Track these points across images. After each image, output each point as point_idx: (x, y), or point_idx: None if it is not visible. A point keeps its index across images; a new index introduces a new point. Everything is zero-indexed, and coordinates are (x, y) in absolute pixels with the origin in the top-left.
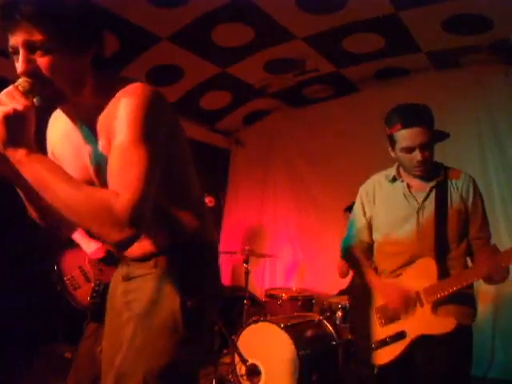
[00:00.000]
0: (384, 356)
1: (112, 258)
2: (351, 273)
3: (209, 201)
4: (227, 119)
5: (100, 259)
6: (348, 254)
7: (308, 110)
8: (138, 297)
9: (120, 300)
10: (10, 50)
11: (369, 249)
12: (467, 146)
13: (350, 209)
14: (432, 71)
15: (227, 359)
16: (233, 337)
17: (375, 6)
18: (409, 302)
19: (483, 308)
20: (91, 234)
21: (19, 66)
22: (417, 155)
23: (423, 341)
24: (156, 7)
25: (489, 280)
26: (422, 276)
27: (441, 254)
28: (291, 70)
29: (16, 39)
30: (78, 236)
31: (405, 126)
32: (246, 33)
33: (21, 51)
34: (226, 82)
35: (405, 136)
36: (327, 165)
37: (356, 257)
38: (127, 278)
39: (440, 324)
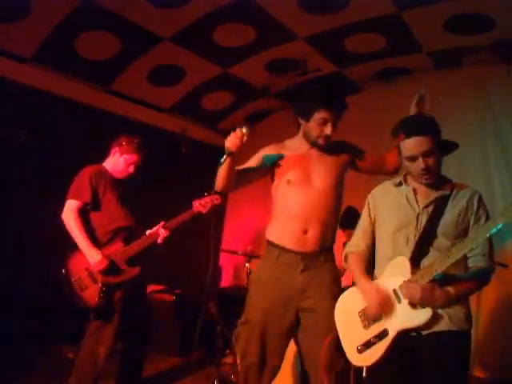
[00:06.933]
0: (371, 356)
1: (112, 270)
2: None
3: (215, 199)
4: (229, 119)
5: (101, 270)
6: (347, 260)
7: None
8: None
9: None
10: None
11: (367, 254)
12: (469, 145)
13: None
14: (433, 71)
15: (229, 359)
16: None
17: (377, 5)
18: (385, 305)
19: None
20: (97, 244)
21: None
22: (420, 163)
23: (418, 342)
24: (158, 7)
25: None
26: (397, 273)
27: (417, 255)
28: (293, 70)
29: None
30: (84, 245)
31: (407, 136)
32: (248, 33)
33: None
34: (227, 82)
35: (408, 145)
36: None
37: (352, 261)
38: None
39: (417, 316)
